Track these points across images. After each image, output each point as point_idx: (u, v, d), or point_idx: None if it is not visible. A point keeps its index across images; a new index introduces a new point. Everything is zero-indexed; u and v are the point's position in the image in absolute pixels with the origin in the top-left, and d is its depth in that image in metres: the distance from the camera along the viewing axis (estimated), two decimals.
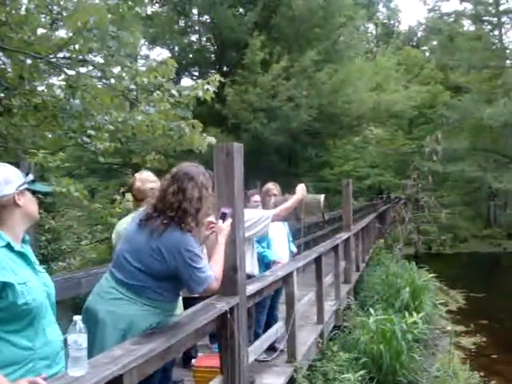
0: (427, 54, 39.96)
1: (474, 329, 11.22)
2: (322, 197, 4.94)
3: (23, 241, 2.06)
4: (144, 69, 5.55)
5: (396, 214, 15.58)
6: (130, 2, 4.79)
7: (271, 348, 5.07)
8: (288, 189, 5.01)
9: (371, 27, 50.90)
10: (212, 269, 2.72)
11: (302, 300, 5.92)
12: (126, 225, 3.43)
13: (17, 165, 2.30)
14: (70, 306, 4.68)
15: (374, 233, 16.20)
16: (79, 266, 10.00)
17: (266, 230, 4.32)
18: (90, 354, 2.12)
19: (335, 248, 8.07)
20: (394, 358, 6.63)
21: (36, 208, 2.11)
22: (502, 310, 13.72)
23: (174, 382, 3.92)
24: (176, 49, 19.47)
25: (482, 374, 8.12)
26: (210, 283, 2.66)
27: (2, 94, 5.70)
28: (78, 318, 1.86)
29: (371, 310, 7.50)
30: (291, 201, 4.52)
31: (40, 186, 2.18)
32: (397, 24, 51.56)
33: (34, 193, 2.09)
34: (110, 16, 4.70)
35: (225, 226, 2.98)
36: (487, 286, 17.05)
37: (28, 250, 2.06)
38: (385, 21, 51.30)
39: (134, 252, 2.65)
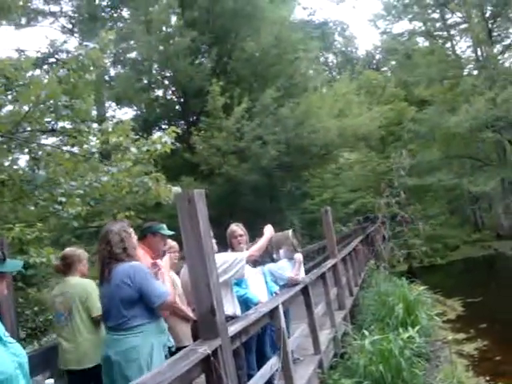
0: (388, 74, 41.09)
1: (475, 334, 11.21)
2: (289, 232, 5.13)
3: None
4: (109, 129, 5.67)
5: (376, 233, 15.70)
6: (80, 72, 4.97)
7: None
8: (273, 225, 5.10)
9: (331, 57, 52.44)
10: (166, 287, 3.50)
11: (295, 333, 5.94)
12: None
13: None
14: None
15: (365, 255, 16.24)
16: None
17: (241, 271, 4.40)
18: None
19: (323, 276, 8.10)
20: (395, 377, 6.59)
21: (1, 287, 2.15)
22: (500, 311, 13.72)
23: None
24: (142, 106, 19.80)
25: (487, 378, 8.13)
26: (167, 297, 3.43)
27: None
28: (49, 381, 1.90)
29: (366, 332, 7.49)
30: (261, 241, 4.69)
31: (10, 265, 2.19)
32: (354, 50, 53.11)
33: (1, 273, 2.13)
34: (62, 86, 4.88)
35: (164, 261, 3.90)
36: (484, 290, 17.07)
37: None
38: (343, 49, 52.84)
39: (109, 301, 3.40)
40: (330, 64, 51.75)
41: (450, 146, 30.00)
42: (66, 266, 4.43)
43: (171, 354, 3.69)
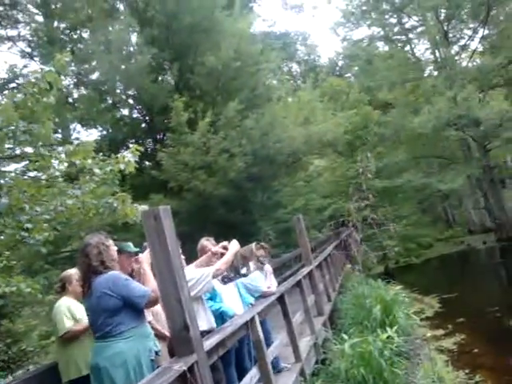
0: (352, 79, 41.71)
1: (453, 329, 11.40)
2: (253, 245, 5.20)
3: None
4: (64, 154, 5.62)
5: (350, 237, 15.85)
6: (37, 96, 4.91)
7: None
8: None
9: (295, 66, 53.04)
10: (147, 286, 3.60)
11: (271, 343, 5.92)
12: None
13: None
14: None
15: (340, 260, 16.33)
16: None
17: (209, 286, 4.40)
18: None
19: (299, 284, 8.11)
20: (377, 378, 6.63)
21: None
22: (475, 304, 14.02)
23: None
24: (108, 126, 19.61)
25: (466, 371, 8.26)
26: (149, 294, 3.51)
27: None
28: None
29: (345, 336, 7.52)
30: (227, 255, 4.68)
31: None
32: (317, 58, 53.83)
33: None
34: (20, 111, 4.82)
35: (144, 255, 3.89)
36: (459, 285, 17.39)
37: None
38: (305, 58, 53.49)
39: (93, 313, 3.54)
40: (294, 73, 52.31)
41: (416, 146, 30.58)
42: (61, 288, 4.80)
43: None
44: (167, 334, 4.48)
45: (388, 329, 7.96)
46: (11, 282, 7.57)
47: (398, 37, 36.80)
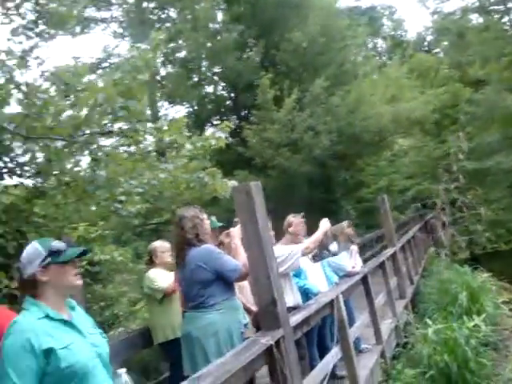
0: (441, 55, 39.65)
1: None
2: (345, 223, 5.14)
3: (71, 307, 2.23)
4: (164, 128, 5.82)
5: (436, 220, 15.24)
6: (134, 74, 5.12)
7: (333, 376, 5.05)
8: (328, 216, 5.11)
9: (380, 42, 51.19)
10: (238, 260, 3.65)
11: (354, 323, 5.89)
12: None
13: (58, 239, 2.43)
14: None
15: (424, 243, 15.87)
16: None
17: (297, 263, 4.46)
18: (196, 371, 2.91)
19: (382, 265, 8.00)
20: (461, 367, 6.40)
21: (70, 277, 2.23)
22: None
23: None
24: (194, 103, 20.08)
25: None
26: (241, 269, 3.58)
27: (36, 179, 6.08)
28: (121, 370, 1.97)
29: (428, 321, 7.31)
30: (317, 234, 4.70)
31: (68, 255, 2.26)
32: (404, 33, 51.59)
33: (66, 263, 2.25)
34: (117, 88, 5.04)
35: (235, 230, 3.90)
36: None
37: (77, 315, 2.23)
38: (392, 33, 51.43)
39: (187, 284, 3.69)
40: (379, 49, 50.50)
41: (510, 126, 28.60)
42: (149, 260, 5.00)
43: None
44: (252, 307, 4.59)
45: (475, 317, 7.65)
46: (105, 251, 8.08)
47: (496, 7, 34.32)
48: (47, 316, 2.09)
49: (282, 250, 4.39)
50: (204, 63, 19.82)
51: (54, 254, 2.22)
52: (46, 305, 2.13)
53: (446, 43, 39.33)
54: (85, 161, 5.70)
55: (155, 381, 5.33)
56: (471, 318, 7.63)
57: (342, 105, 16.42)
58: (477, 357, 6.68)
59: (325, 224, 4.82)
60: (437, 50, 43.48)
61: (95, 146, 5.32)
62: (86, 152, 5.59)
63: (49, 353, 1.99)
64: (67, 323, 2.16)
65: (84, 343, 2.14)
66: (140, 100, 5.26)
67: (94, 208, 6.45)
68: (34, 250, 2.22)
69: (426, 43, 46.92)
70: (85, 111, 5.03)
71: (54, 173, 5.71)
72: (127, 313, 10.17)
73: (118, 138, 5.64)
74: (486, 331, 7.37)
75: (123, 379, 1.96)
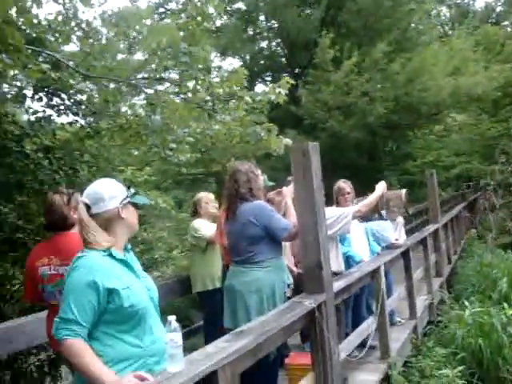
0: (509, 29, 37.53)
1: None
2: (403, 191, 4.93)
3: (125, 249, 2.26)
4: (217, 79, 5.76)
5: (486, 201, 14.76)
6: (198, 18, 5.02)
7: (364, 345, 5.05)
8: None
9: (444, 10, 48.76)
10: (289, 219, 3.67)
11: (391, 296, 5.85)
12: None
13: None
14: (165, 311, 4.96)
15: (465, 223, 15.53)
16: (172, 274, 10.43)
17: (347, 227, 4.32)
18: (236, 324, 3.32)
19: (423, 241, 7.87)
20: (495, 353, 6.29)
21: (136, 220, 2.31)
22: None
23: None
24: (247, 57, 19.81)
25: None
26: (291, 228, 3.53)
27: (92, 119, 6.16)
28: (172, 317, 1.99)
29: (466, 303, 7.20)
30: (371, 197, 4.54)
31: (140, 199, 2.34)
32: (472, 2, 48.88)
33: (134, 205, 2.29)
34: (181, 34, 4.98)
35: (288, 189, 3.94)
36: None
37: (130, 258, 2.26)
38: (458, 1, 48.85)
39: (235, 238, 3.64)
40: (443, 18, 48.17)
41: None
42: (194, 211, 5.04)
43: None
44: (293, 268, 4.59)
45: None
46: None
47: None
48: (110, 255, 2.13)
49: (332, 212, 4.26)
50: (261, 17, 19.41)
51: (134, 195, 2.28)
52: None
53: None
54: (140, 105, 5.72)
55: (187, 328, 5.47)
56: (510, 305, 7.46)
57: (402, 73, 15.81)
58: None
59: (380, 188, 4.65)
60: (505, 22, 41.17)
61: (152, 90, 5.30)
62: (142, 96, 5.60)
63: (112, 292, 2.04)
64: (127, 264, 2.20)
65: (140, 285, 2.19)
66: (204, 47, 5.16)
67: (136, 153, 6.52)
68: (117, 186, 2.26)
69: (494, 15, 44.44)
70: (146, 55, 4.99)
71: (109, 114, 5.76)
72: (164, 258, 10.44)
73: (175, 85, 5.59)
74: None
75: (173, 326, 1.98)
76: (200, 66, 5.20)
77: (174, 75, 5.55)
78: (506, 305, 7.38)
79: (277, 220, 3.57)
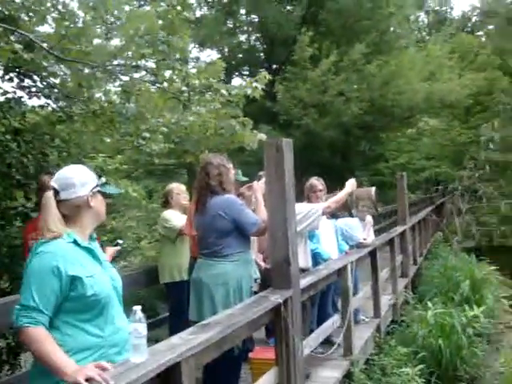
0: (483, 39, 38.34)
1: None
2: (372, 189, 4.99)
3: (91, 238, 2.23)
4: (194, 71, 5.72)
5: (453, 205, 15.11)
6: (178, 8, 4.96)
7: (327, 342, 5.11)
8: (343, 183, 5.02)
9: (422, 16, 49.47)
10: (258, 215, 3.64)
11: (357, 294, 5.93)
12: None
13: None
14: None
15: (432, 226, 15.85)
16: (139, 264, 10.35)
17: (316, 223, 4.36)
18: (201, 317, 3.25)
19: (391, 242, 7.98)
20: (454, 353, 6.50)
21: (104, 209, 2.29)
22: None
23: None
24: (225, 49, 19.72)
25: None
26: (260, 223, 3.56)
27: (64, 103, 6.04)
28: (137, 307, 1.97)
29: (429, 304, 7.37)
30: (341, 194, 4.59)
31: (110, 189, 2.33)
32: (449, 10, 49.75)
33: (103, 194, 2.26)
34: (159, 22, 4.91)
35: (259, 184, 3.89)
36: None
37: (95, 246, 2.23)
38: (436, 8, 49.64)
39: (204, 231, 3.63)
40: (421, 23, 48.86)
41: None
42: (165, 202, 5.07)
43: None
44: (261, 263, 4.61)
45: (475, 307, 7.69)
46: (120, 185, 8.10)
47: None
48: (74, 242, 2.09)
49: (301, 208, 4.28)
50: (242, 10, 19.34)
51: (104, 183, 2.26)
52: (73, 231, 2.12)
53: (491, 27, 37.98)
54: (115, 92, 5.63)
55: (152, 320, 5.44)
56: (471, 307, 7.67)
57: (378, 75, 16.03)
58: (470, 346, 6.76)
59: (350, 185, 4.70)
60: (480, 32, 42.04)
61: (128, 78, 5.22)
62: (118, 83, 5.52)
63: (75, 279, 2.01)
64: (92, 252, 2.16)
65: (104, 274, 2.16)
66: (183, 37, 5.11)
67: (109, 140, 6.43)
68: (88, 173, 2.22)
69: (469, 24, 45.32)
70: (123, 41, 4.91)
71: (82, 99, 5.66)
72: (132, 248, 10.32)
73: (151, 73, 5.52)
74: (483, 323, 7.42)
75: (138, 316, 1.96)
76: (177, 56, 5.16)
77: (151, 64, 5.48)
78: (466, 307, 7.60)
79: (246, 214, 3.59)
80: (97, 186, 2.22)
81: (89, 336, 2.05)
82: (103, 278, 2.13)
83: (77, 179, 2.15)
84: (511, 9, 32.17)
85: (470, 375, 6.64)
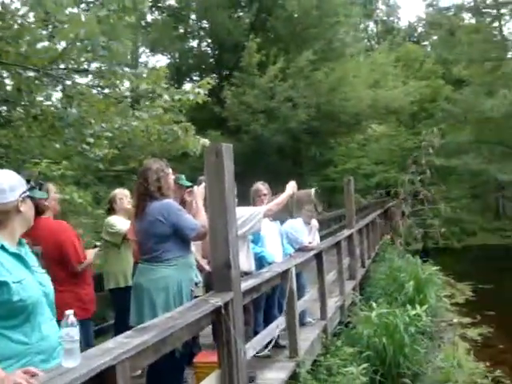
0: (428, 49, 39.84)
1: (481, 320, 11.21)
2: (312, 190, 5.12)
3: (20, 243, 2.19)
4: (138, 76, 5.67)
5: (397, 209, 15.60)
6: (120, 13, 4.93)
7: (275, 345, 5.17)
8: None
9: (371, 25, 50.89)
10: (198, 220, 3.67)
11: (304, 297, 6.02)
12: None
13: (17, 173, 2.43)
14: None
15: (380, 229, 16.23)
16: None
17: (258, 226, 4.42)
18: (142, 322, 3.07)
19: (337, 245, 8.13)
20: (397, 351, 6.68)
21: (33, 214, 2.26)
22: (509, 300, 13.72)
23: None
24: (176, 55, 19.65)
25: (487, 364, 8.19)
26: (199, 228, 3.60)
27: (4, 107, 5.87)
28: (69, 312, 1.96)
29: (374, 305, 7.57)
30: (282, 196, 4.67)
31: (39, 193, 2.33)
32: (396, 20, 51.42)
33: (32, 199, 2.24)
34: (101, 27, 4.85)
35: (198, 189, 3.91)
36: (496, 278, 16.98)
37: (25, 252, 2.19)
38: (384, 18, 51.18)
39: (143, 236, 3.65)
40: (370, 32, 50.27)
41: (482, 130, 29.20)
42: (110, 208, 5.09)
43: None
44: (206, 267, 4.62)
45: (417, 306, 7.95)
46: (65, 191, 7.91)
47: (489, 10, 34.52)
48: (2, 247, 2.06)
49: (243, 211, 4.33)
50: (193, 16, 19.33)
51: (33, 188, 2.25)
52: (2, 236, 2.09)
53: (435, 38, 39.51)
54: (56, 97, 5.53)
55: (98, 327, 5.35)
56: (414, 307, 7.93)
57: (325, 81, 16.39)
58: (413, 344, 6.99)
59: (291, 187, 4.77)
60: (425, 42, 43.65)
61: (70, 82, 5.13)
62: (59, 87, 5.41)
63: (1, 285, 1.97)
64: (20, 258, 2.13)
65: (33, 280, 2.13)
66: (123, 42, 5.07)
67: (58, 146, 6.29)
68: (17, 178, 2.19)
69: (416, 34, 46.95)
70: (63, 45, 4.83)
71: (23, 103, 5.53)
72: None
73: (94, 78, 5.46)
74: (425, 321, 7.68)
75: (70, 320, 1.95)
76: (118, 61, 5.11)
77: (94, 68, 5.41)
78: (409, 306, 7.85)
79: (185, 219, 3.61)
80: (26, 191, 2.20)
81: (13, 344, 2.01)
82: (32, 284, 2.10)
83: (6, 184, 2.12)
84: (453, 21, 33.56)
85: (412, 372, 6.85)
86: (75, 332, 1.95)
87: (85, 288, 4.14)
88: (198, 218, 3.72)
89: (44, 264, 3.68)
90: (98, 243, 4.59)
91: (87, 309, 4.11)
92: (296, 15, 16.56)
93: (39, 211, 3.65)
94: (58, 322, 3.64)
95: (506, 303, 13.27)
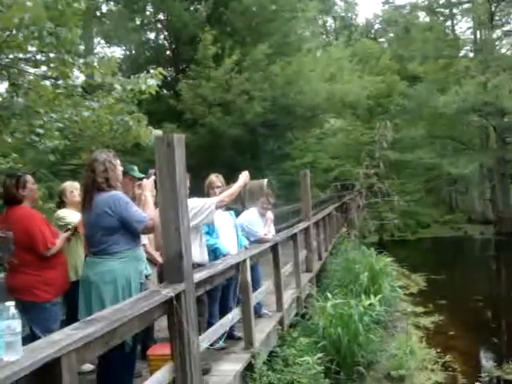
0: (384, 45, 40.67)
1: (433, 309, 11.58)
2: (264, 181, 5.12)
3: None
4: (88, 65, 5.51)
5: (352, 202, 15.87)
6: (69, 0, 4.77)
7: (231, 337, 5.17)
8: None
9: (330, 21, 51.47)
10: (147, 212, 3.59)
11: (260, 288, 6.04)
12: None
13: None
14: None
15: (337, 222, 16.44)
16: None
17: (210, 217, 4.37)
18: (90, 315, 2.90)
19: (293, 237, 8.18)
20: (351, 340, 6.82)
21: None
22: (459, 289, 14.28)
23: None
24: (132, 47, 19.31)
25: (438, 350, 8.48)
26: (147, 221, 3.52)
27: None
28: (10, 303, 1.90)
29: (329, 296, 7.68)
30: (234, 187, 4.64)
31: None
32: (354, 17, 52.20)
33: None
34: (49, 13, 4.68)
35: (147, 182, 3.82)
36: (448, 269, 17.63)
37: None
38: (342, 14, 51.87)
39: (90, 228, 3.57)
40: (328, 28, 50.86)
41: (435, 125, 30.13)
42: (60, 202, 5.02)
43: None
44: (159, 259, 4.57)
45: (372, 296, 8.12)
46: None
47: (442, 9, 35.58)
48: None
49: (195, 202, 4.27)
50: (149, 7, 19.02)
51: None
52: None
53: (391, 34, 40.42)
54: (2, 86, 5.32)
55: None
56: (369, 297, 8.10)
57: (281, 75, 16.43)
58: (367, 333, 7.14)
59: (243, 178, 4.74)
60: (382, 39, 44.55)
61: (16, 70, 4.94)
62: (5, 76, 5.20)
63: None
64: None
65: None
66: (72, 29, 4.91)
67: (5, 137, 6.07)
68: None
69: (373, 31, 47.84)
70: (7, 32, 4.64)
71: None
72: None
73: (46, 69, 5.27)
74: (379, 311, 7.86)
75: (11, 312, 1.89)
76: (68, 49, 4.96)
77: (41, 56, 5.23)
78: (364, 297, 8.01)
79: (133, 212, 3.52)
80: None
81: None
82: None
83: None
84: (408, 19, 34.36)
85: (367, 360, 7.00)
86: (17, 324, 1.90)
87: (51, 272, 4.21)
88: (146, 211, 3.63)
89: (15, 248, 3.88)
90: (69, 226, 4.54)
91: (51, 292, 4.19)
92: (252, 9, 16.54)
93: (16, 201, 4.10)
94: (22, 301, 3.75)
95: (457, 292, 13.80)
